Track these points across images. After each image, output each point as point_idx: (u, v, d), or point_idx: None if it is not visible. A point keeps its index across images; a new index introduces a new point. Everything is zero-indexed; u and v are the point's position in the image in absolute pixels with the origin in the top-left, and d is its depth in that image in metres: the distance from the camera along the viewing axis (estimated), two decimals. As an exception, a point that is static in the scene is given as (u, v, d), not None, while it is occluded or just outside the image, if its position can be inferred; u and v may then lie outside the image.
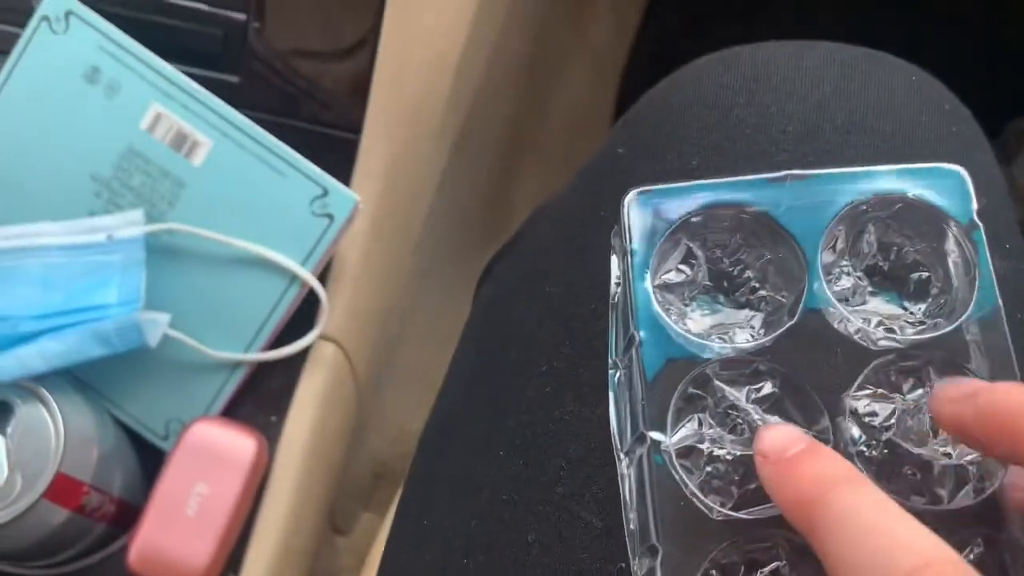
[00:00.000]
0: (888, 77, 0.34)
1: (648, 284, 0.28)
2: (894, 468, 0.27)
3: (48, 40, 0.44)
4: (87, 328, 0.41)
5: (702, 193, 0.29)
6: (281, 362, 0.46)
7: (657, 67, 0.39)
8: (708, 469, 0.27)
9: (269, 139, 0.44)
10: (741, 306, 0.29)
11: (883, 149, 0.32)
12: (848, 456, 0.27)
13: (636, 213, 0.29)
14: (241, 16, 0.47)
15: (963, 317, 0.28)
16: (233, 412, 0.46)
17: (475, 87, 0.53)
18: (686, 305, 0.29)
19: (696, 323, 0.29)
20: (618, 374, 0.29)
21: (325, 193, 0.44)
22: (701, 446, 0.27)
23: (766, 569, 0.26)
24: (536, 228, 0.37)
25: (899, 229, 0.30)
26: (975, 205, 0.29)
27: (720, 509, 0.26)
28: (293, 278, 0.44)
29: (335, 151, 0.47)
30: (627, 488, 0.28)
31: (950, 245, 0.30)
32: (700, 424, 0.27)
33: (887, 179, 0.30)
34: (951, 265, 0.29)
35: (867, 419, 0.28)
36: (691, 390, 0.28)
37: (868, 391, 0.28)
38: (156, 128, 0.44)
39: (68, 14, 0.44)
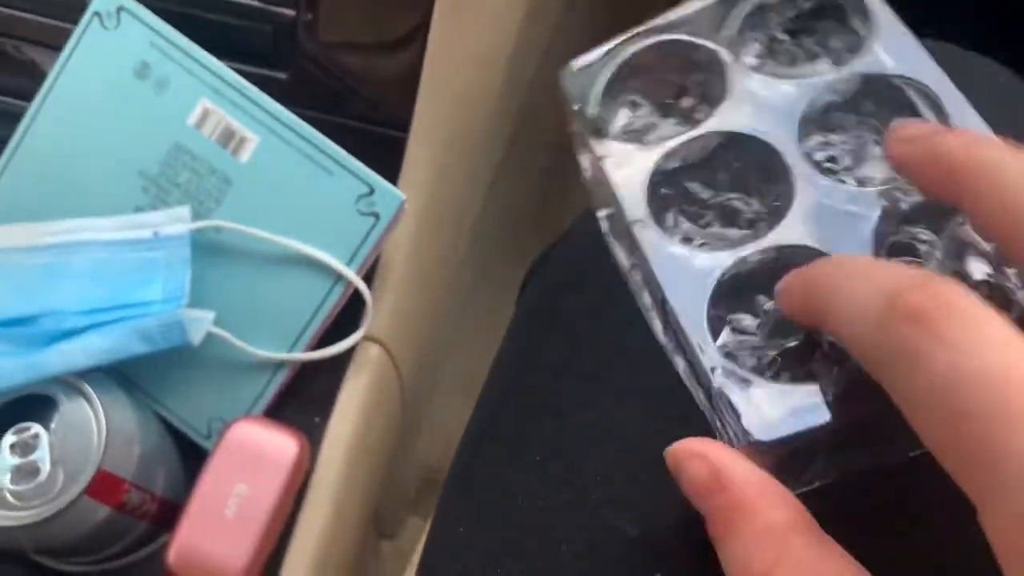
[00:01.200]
0: None
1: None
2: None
3: (99, 36, 0.44)
4: (130, 324, 0.41)
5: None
6: (325, 363, 0.45)
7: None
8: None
9: (316, 136, 0.43)
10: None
11: None
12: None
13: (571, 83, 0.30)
14: (291, 12, 0.47)
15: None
16: (276, 413, 0.45)
17: (527, 83, 0.52)
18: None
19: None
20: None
21: (371, 191, 0.43)
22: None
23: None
24: (583, 228, 0.36)
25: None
26: None
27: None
28: (338, 278, 0.43)
29: (383, 149, 0.46)
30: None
31: None
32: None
33: None
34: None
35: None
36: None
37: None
38: (204, 124, 0.44)
39: (119, 9, 0.44)
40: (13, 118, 0.45)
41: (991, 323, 0.19)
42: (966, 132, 0.26)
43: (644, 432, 0.29)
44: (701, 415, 0.26)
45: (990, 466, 0.18)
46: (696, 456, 0.23)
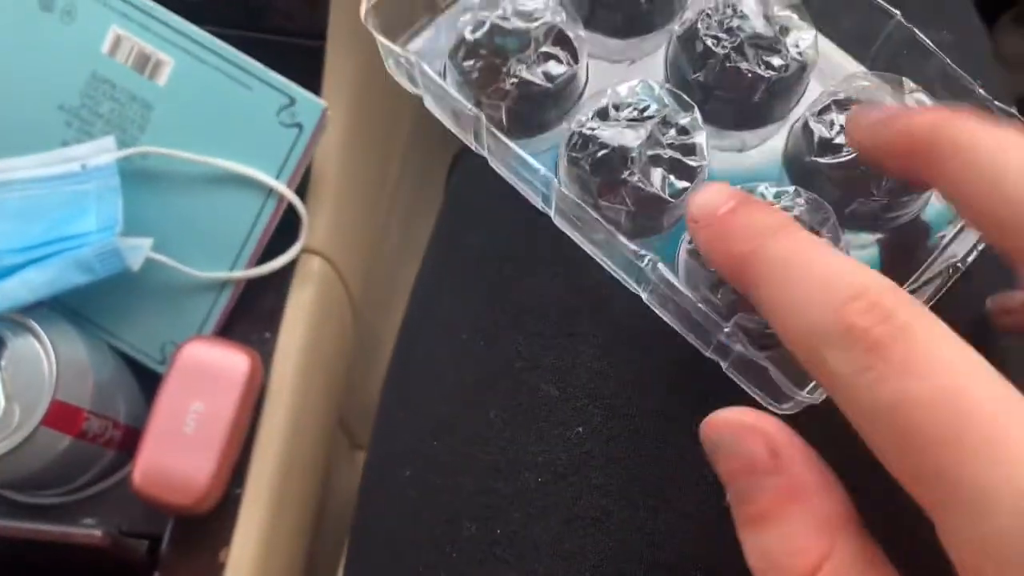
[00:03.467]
0: None
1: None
2: None
3: (-1, -29, 0.44)
4: (68, 256, 0.41)
5: None
6: (271, 280, 0.46)
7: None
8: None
9: (230, 52, 0.43)
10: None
11: None
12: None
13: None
14: (195, -72, 0.46)
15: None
16: (227, 332, 0.46)
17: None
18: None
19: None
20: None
21: (292, 102, 0.43)
22: None
23: None
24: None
25: None
26: None
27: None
28: (269, 192, 0.44)
29: (303, 61, 0.46)
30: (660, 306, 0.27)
31: None
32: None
33: None
34: None
35: None
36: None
37: None
38: (117, 51, 0.43)
39: (17, -58, 0.43)
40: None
41: (941, 343, 0.18)
42: (936, 108, 0.24)
43: (564, 305, 0.30)
44: (621, 286, 0.27)
45: (943, 491, 0.17)
46: (750, 430, 0.20)
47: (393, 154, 0.52)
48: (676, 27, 0.29)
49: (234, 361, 0.43)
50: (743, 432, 0.20)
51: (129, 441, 0.45)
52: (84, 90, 0.44)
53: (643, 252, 0.25)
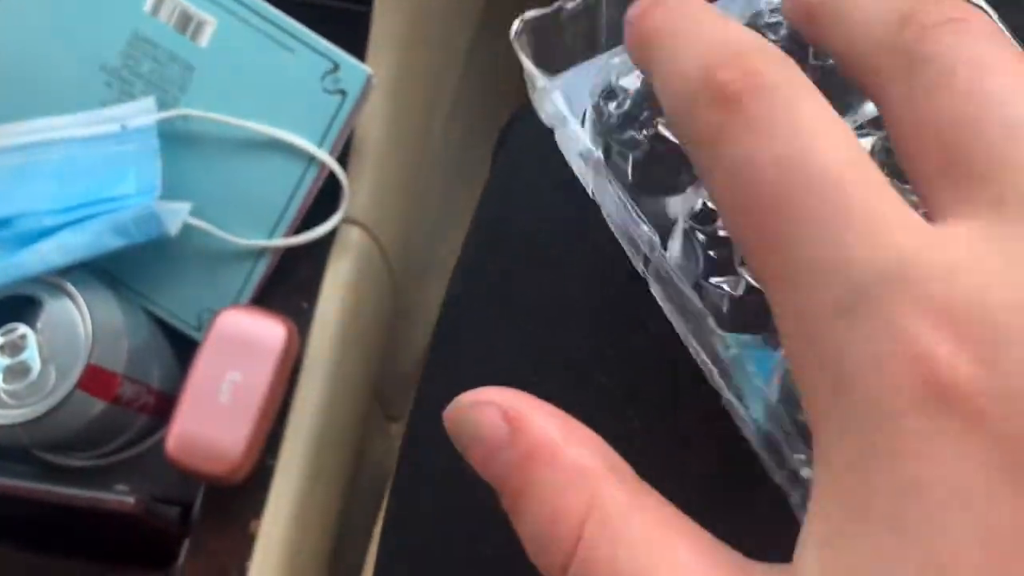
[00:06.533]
0: None
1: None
2: None
3: (43, -74, 0.43)
4: (105, 219, 0.41)
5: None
6: (309, 249, 0.45)
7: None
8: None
9: (274, 13, 0.42)
10: None
11: None
12: None
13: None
14: None
15: None
16: (264, 301, 0.46)
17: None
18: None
19: None
20: None
21: (336, 68, 0.42)
22: None
23: None
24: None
25: None
26: None
27: None
28: (311, 159, 0.43)
29: (348, 25, 0.45)
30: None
31: None
32: None
33: None
34: None
35: None
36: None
37: None
38: (159, 10, 0.42)
39: None
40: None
41: (802, 104, 0.17)
42: None
43: (618, 293, 0.29)
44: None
45: (775, 262, 0.16)
46: (482, 403, 0.18)
47: (434, 124, 0.51)
48: None
49: (271, 331, 0.42)
50: (475, 407, 0.18)
51: (162, 407, 0.45)
52: (125, 50, 0.43)
53: (733, 348, 0.23)
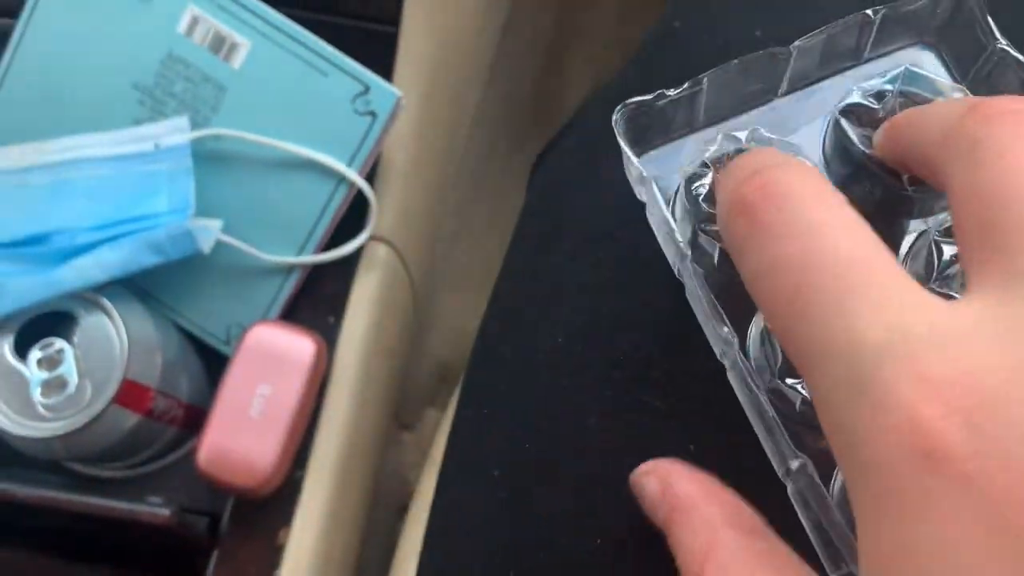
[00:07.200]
0: None
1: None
2: None
3: (79, -53, 0.43)
4: (141, 237, 0.41)
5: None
6: (336, 266, 0.46)
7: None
8: None
9: (307, 36, 0.43)
10: None
11: None
12: None
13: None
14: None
15: None
16: (292, 316, 0.46)
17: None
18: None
19: None
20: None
21: (367, 90, 0.43)
22: None
23: None
24: (589, 114, 0.36)
25: None
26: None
27: None
28: (340, 179, 0.44)
29: (377, 46, 0.46)
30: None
31: None
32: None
33: None
34: None
35: None
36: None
37: None
38: (194, 32, 0.43)
39: (97, -82, 0.43)
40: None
41: (811, 205, 0.19)
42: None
43: (663, 314, 0.30)
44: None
45: (800, 354, 0.18)
46: (647, 473, 0.25)
47: (456, 143, 0.52)
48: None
49: (301, 346, 0.43)
50: (643, 475, 0.25)
51: (191, 419, 0.46)
52: (159, 70, 0.44)
53: (800, 456, 0.24)
